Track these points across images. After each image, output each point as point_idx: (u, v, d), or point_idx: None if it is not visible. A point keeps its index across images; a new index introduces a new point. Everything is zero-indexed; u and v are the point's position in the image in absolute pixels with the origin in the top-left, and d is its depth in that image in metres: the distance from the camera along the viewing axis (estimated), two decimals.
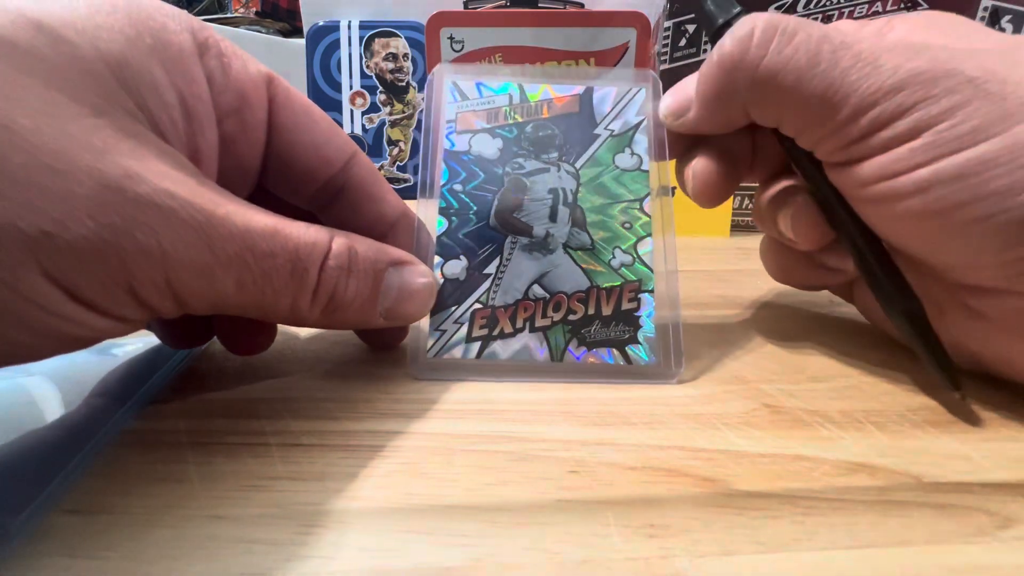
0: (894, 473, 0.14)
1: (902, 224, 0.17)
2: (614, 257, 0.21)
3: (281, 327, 0.21)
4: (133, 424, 0.17)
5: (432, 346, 0.19)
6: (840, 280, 0.22)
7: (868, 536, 0.12)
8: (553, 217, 0.21)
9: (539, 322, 0.20)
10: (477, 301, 0.20)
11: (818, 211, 0.19)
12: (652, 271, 0.20)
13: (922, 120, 0.15)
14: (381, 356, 0.21)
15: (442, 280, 0.20)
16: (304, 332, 0.23)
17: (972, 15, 0.46)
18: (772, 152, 0.21)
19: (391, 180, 0.64)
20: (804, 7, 0.46)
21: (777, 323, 0.24)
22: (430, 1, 0.53)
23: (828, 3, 0.46)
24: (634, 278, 0.20)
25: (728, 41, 0.17)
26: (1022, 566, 0.12)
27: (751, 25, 0.17)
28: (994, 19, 0.46)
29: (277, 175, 0.19)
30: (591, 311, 0.20)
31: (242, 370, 0.20)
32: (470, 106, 0.22)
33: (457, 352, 0.19)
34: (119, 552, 0.12)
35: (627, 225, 0.21)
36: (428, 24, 0.51)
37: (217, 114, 0.16)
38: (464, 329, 0.20)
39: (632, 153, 0.22)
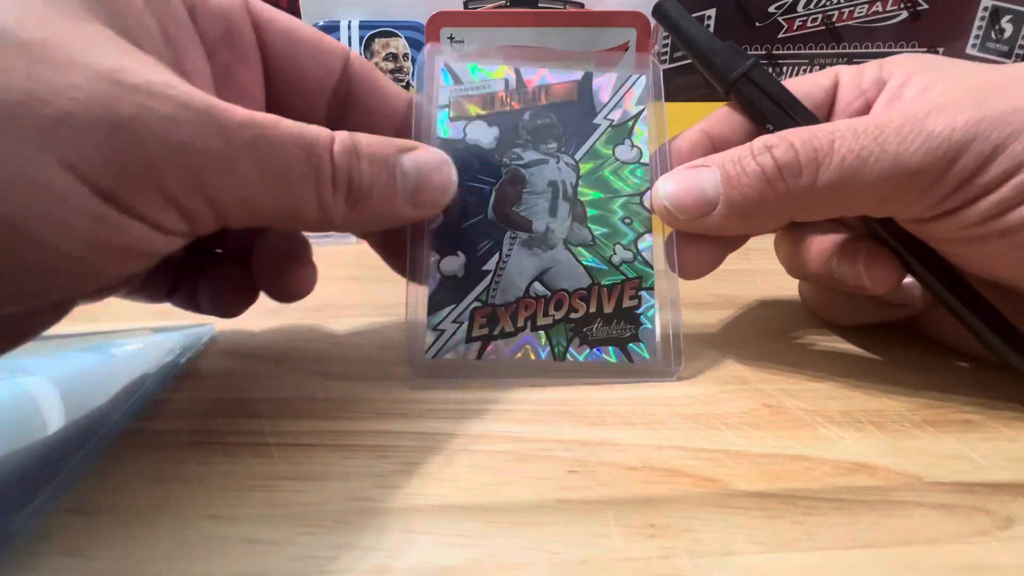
0: (894, 473, 0.14)
1: (1008, 257, 0.17)
2: (615, 254, 0.20)
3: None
4: (133, 424, 0.17)
5: (431, 346, 0.19)
6: (907, 314, 0.22)
7: (868, 536, 0.12)
8: (553, 212, 0.20)
9: (540, 321, 0.20)
10: (476, 299, 0.19)
11: (890, 255, 0.19)
12: (652, 268, 0.20)
13: (1016, 157, 0.15)
14: (381, 356, 0.21)
15: (440, 278, 0.20)
16: (304, 331, 0.23)
17: (972, 15, 0.46)
18: None
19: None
20: (804, 7, 0.46)
21: (777, 323, 0.24)
22: (430, 1, 0.53)
23: (828, 3, 0.46)
24: (635, 275, 0.20)
25: (769, 162, 0.17)
26: (1022, 566, 0.12)
27: (788, 144, 0.17)
28: (994, 19, 0.46)
29: (284, 98, 0.19)
30: (592, 309, 0.20)
31: (242, 370, 0.20)
32: (464, 91, 0.21)
33: (457, 352, 0.19)
34: (119, 552, 0.12)
35: (627, 221, 0.21)
36: (428, 24, 0.51)
37: (206, 45, 0.16)
38: (463, 328, 0.19)
39: (632, 145, 0.21)
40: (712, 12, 0.47)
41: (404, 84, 0.51)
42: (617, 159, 0.21)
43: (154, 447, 0.16)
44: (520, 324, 0.19)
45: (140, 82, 0.12)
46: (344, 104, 0.19)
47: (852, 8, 0.46)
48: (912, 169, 0.16)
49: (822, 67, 0.48)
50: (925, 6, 0.46)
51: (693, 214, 0.18)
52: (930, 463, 0.15)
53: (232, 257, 0.21)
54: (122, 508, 0.13)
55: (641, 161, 0.21)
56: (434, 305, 0.19)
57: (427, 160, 0.17)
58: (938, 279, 0.18)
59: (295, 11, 0.63)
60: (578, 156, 0.21)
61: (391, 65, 0.54)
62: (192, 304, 0.21)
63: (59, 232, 0.12)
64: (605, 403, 0.18)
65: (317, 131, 0.15)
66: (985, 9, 0.45)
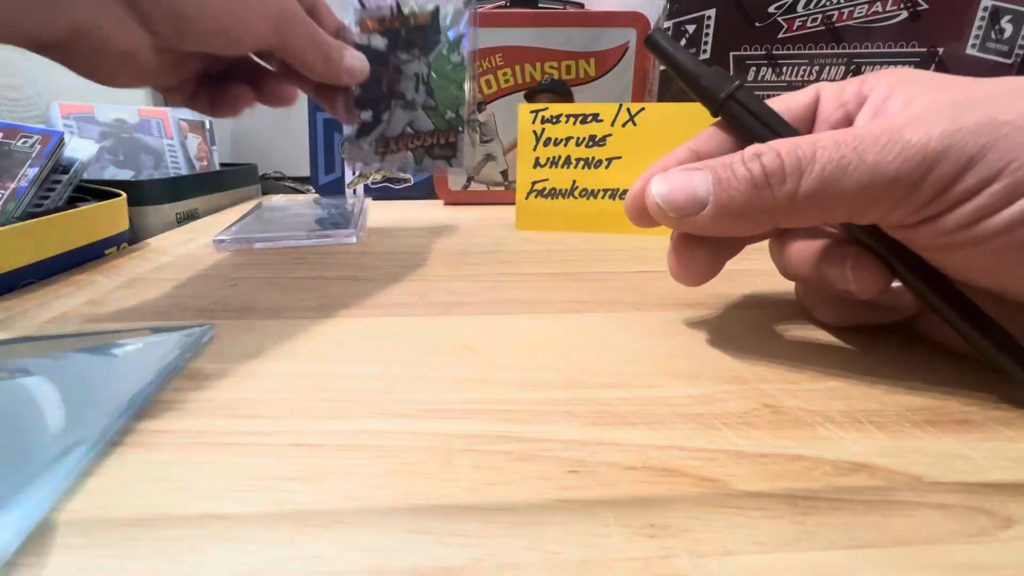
0: (894, 473, 0.14)
1: (987, 264, 0.17)
2: (447, 113, 0.39)
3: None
4: (133, 424, 0.17)
5: (351, 149, 0.39)
6: (898, 317, 0.22)
7: (868, 536, 0.12)
8: (416, 89, 0.38)
9: (411, 145, 0.39)
10: (379, 132, 0.39)
11: (877, 259, 0.19)
12: (464, 121, 0.39)
13: (992, 166, 0.15)
14: (381, 356, 0.21)
15: (360, 121, 0.38)
16: (304, 331, 0.23)
17: (972, 15, 0.46)
18: None
19: (392, 180, 0.64)
20: (804, 7, 0.46)
21: (777, 323, 0.24)
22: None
23: (828, 3, 0.46)
24: (456, 126, 0.39)
25: (758, 168, 0.18)
26: (1022, 566, 0.12)
27: (775, 153, 0.18)
28: (994, 19, 0.46)
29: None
30: (435, 141, 0.39)
31: (242, 370, 0.20)
32: (368, 14, 0.37)
33: (369, 156, 0.39)
34: (119, 552, 0.12)
35: (453, 98, 0.38)
36: None
37: None
38: (372, 147, 0.39)
39: (458, 54, 0.38)
40: (712, 12, 0.47)
41: None
42: (451, 62, 0.38)
43: (154, 447, 0.16)
44: (399, 147, 0.39)
45: None
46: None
47: (852, 8, 0.46)
48: (890, 177, 0.16)
49: (822, 67, 0.48)
50: (925, 6, 0.46)
51: (682, 212, 0.19)
52: (930, 463, 0.15)
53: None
54: (122, 508, 0.13)
55: (463, 64, 0.38)
56: (359, 133, 0.39)
57: (355, 53, 0.34)
58: (923, 283, 0.18)
59: None
60: (430, 58, 0.38)
61: None
62: (204, 107, 0.32)
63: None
64: (606, 403, 0.18)
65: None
66: (985, 9, 0.45)
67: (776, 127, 0.20)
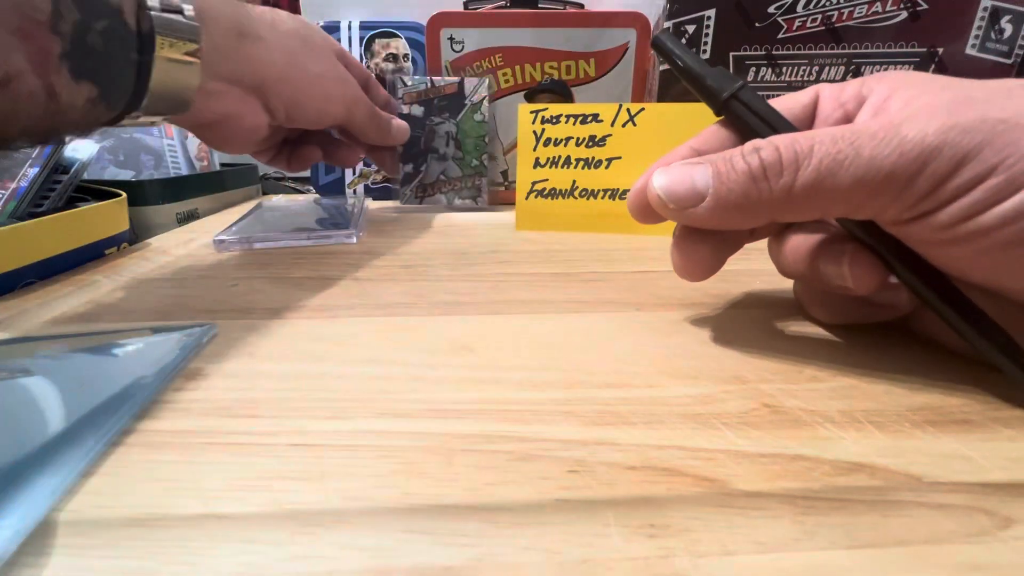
0: (894, 473, 0.14)
1: (983, 258, 0.17)
2: (472, 162, 0.50)
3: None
4: (133, 424, 0.17)
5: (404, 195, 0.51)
6: (894, 315, 0.22)
7: (868, 536, 0.12)
8: (447, 144, 0.50)
9: (444, 190, 0.51)
10: (418, 181, 0.51)
11: (873, 256, 0.19)
12: (487, 169, 0.51)
13: (986, 162, 0.16)
14: (381, 356, 0.21)
15: (403, 173, 0.50)
16: (305, 331, 0.23)
17: (972, 15, 0.46)
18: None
19: (392, 180, 0.64)
20: (804, 7, 0.46)
21: (777, 323, 0.24)
22: (430, 1, 0.53)
23: (828, 3, 0.46)
24: (480, 172, 0.51)
25: (756, 161, 0.18)
26: (1022, 566, 0.12)
27: (774, 147, 0.18)
28: (994, 19, 0.46)
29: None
30: (463, 185, 0.51)
31: (242, 370, 0.20)
32: (409, 89, 0.50)
33: (410, 200, 0.51)
34: (119, 552, 0.12)
35: (477, 148, 0.50)
36: (428, 24, 0.51)
37: None
38: (412, 193, 0.51)
39: (480, 113, 0.50)
40: (712, 12, 0.47)
41: (405, 83, 0.51)
42: (474, 120, 0.50)
43: (154, 447, 0.16)
44: (434, 191, 0.51)
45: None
46: None
47: (852, 8, 0.46)
48: (885, 172, 0.16)
49: (822, 67, 0.48)
50: (925, 6, 0.46)
51: (682, 204, 0.20)
52: (930, 463, 0.15)
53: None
54: (122, 508, 0.13)
55: (484, 121, 0.50)
56: (403, 182, 0.51)
57: (400, 122, 0.45)
58: (919, 279, 0.19)
59: (295, 10, 0.63)
60: (458, 119, 0.50)
61: (391, 65, 0.54)
62: (283, 164, 0.42)
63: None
64: (606, 403, 0.18)
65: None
66: (985, 9, 0.45)
67: (777, 124, 0.21)
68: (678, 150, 0.23)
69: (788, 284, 0.29)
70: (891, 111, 0.19)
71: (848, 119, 0.21)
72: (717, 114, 0.22)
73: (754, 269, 0.32)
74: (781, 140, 0.18)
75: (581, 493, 0.14)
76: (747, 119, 0.21)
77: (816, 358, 0.21)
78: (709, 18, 0.47)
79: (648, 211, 0.22)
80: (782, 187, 0.18)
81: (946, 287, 0.18)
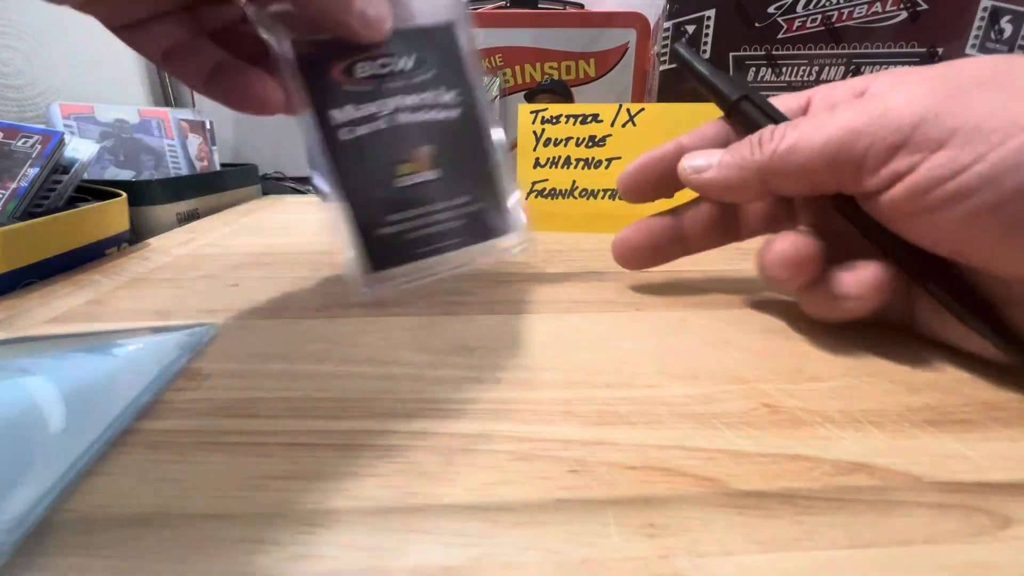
0: (894, 473, 0.14)
1: (944, 232, 0.18)
2: None
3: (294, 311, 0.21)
4: (133, 424, 0.17)
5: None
6: (867, 307, 0.21)
7: (868, 536, 0.12)
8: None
9: None
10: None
11: (795, 238, 0.21)
12: None
13: (934, 140, 0.17)
14: (382, 356, 0.21)
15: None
16: (304, 331, 0.23)
17: (972, 15, 0.46)
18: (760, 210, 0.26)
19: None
20: (804, 7, 0.46)
21: (777, 323, 0.24)
22: None
23: (828, 3, 0.46)
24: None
25: (755, 136, 0.22)
26: (1022, 566, 0.12)
27: (772, 128, 0.21)
28: (994, 19, 0.46)
29: None
30: None
31: (242, 370, 0.20)
32: None
33: None
34: (119, 552, 0.12)
35: None
36: None
37: None
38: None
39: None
40: (712, 12, 0.47)
41: None
42: None
43: (154, 447, 0.16)
44: None
45: None
46: None
47: (851, 8, 0.46)
48: (836, 147, 0.19)
49: (821, 67, 0.48)
50: (925, 6, 0.46)
51: (695, 169, 0.24)
52: (930, 463, 0.15)
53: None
54: (122, 508, 0.13)
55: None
56: None
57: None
58: (900, 250, 0.20)
59: None
60: None
61: None
62: (216, 93, 0.24)
63: None
64: (606, 403, 0.18)
65: None
66: (984, 9, 0.45)
67: (779, 120, 0.23)
68: (666, 145, 0.26)
69: None
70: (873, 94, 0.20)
71: None
72: (727, 113, 0.25)
73: (753, 269, 0.32)
74: (781, 124, 0.21)
75: (581, 493, 0.14)
76: (753, 116, 0.24)
77: (816, 358, 0.21)
78: (709, 18, 0.47)
79: (637, 190, 0.27)
80: (766, 155, 0.21)
81: (932, 264, 0.20)
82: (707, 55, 0.48)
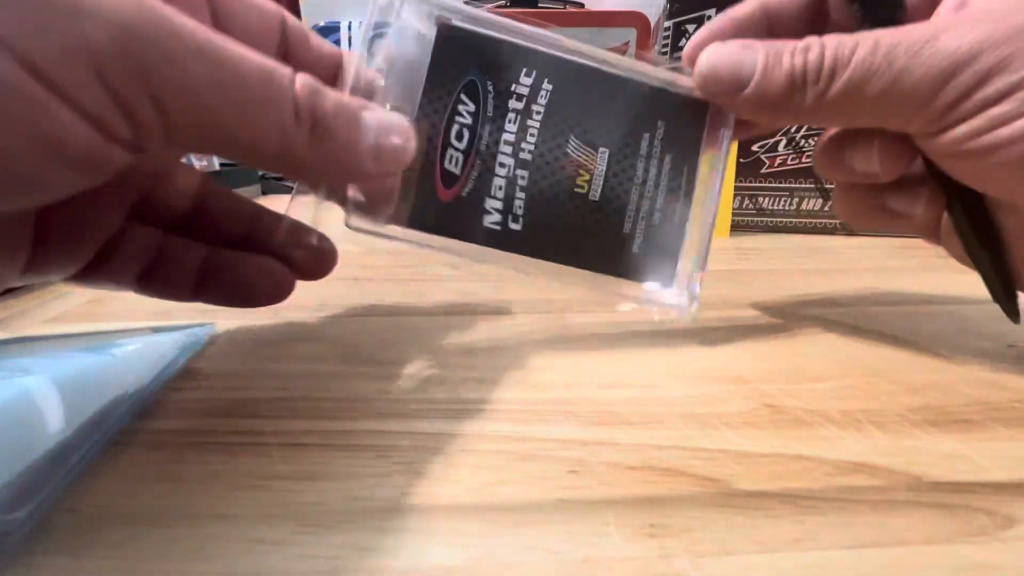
0: (894, 473, 0.14)
1: (1000, 173, 0.17)
2: None
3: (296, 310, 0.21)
4: (133, 424, 0.17)
5: None
6: (909, 228, 0.22)
7: (868, 536, 0.12)
8: None
9: None
10: None
11: (902, 142, 0.20)
12: None
13: (1009, 79, 0.16)
14: (382, 356, 0.21)
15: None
16: (304, 331, 0.23)
17: None
18: None
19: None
20: None
21: (777, 323, 0.24)
22: None
23: None
24: None
25: (800, 62, 0.18)
26: (1022, 566, 0.12)
27: (821, 50, 0.18)
28: None
29: None
30: None
31: (242, 370, 0.20)
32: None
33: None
34: (119, 552, 0.12)
35: None
36: None
37: None
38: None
39: None
40: (712, 12, 0.47)
41: None
42: None
43: (154, 447, 0.16)
44: None
45: None
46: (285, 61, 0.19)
47: None
48: (908, 87, 0.17)
49: None
50: None
51: (723, 88, 0.20)
52: (930, 463, 0.15)
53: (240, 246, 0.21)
54: (122, 508, 0.13)
55: None
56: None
57: (386, 116, 0.17)
58: (944, 178, 0.19)
59: (295, 11, 0.63)
60: None
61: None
62: (183, 291, 0.20)
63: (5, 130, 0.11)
64: (605, 403, 0.18)
65: (277, 63, 0.15)
66: None
67: None
68: (745, 4, 0.22)
69: (789, 284, 0.29)
70: (969, 5, 0.19)
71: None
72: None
73: (754, 269, 0.32)
74: (830, 42, 0.18)
75: (581, 493, 0.14)
76: None
77: (817, 358, 0.21)
78: (709, 18, 0.47)
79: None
80: (814, 94, 0.18)
81: (965, 193, 0.19)
82: None
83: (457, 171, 0.20)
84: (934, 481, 0.14)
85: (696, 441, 0.16)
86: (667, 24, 0.48)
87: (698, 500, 0.14)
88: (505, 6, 0.58)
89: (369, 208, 0.20)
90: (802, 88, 0.18)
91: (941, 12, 0.20)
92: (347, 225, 0.20)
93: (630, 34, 0.51)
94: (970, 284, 0.23)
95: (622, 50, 0.52)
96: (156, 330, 0.23)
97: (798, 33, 0.20)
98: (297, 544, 0.12)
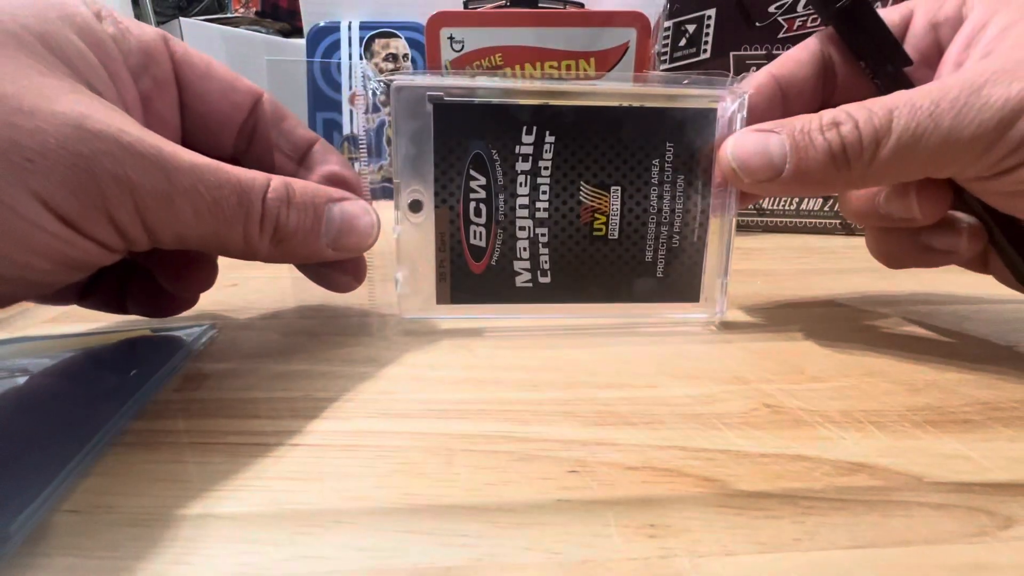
0: (894, 473, 0.14)
1: None
2: None
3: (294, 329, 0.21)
4: (133, 424, 0.17)
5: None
6: (953, 261, 0.22)
7: (868, 536, 0.12)
8: None
9: None
10: None
11: (939, 185, 0.20)
12: None
13: None
14: (382, 356, 0.21)
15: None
16: (304, 331, 0.23)
17: None
18: None
19: (391, 180, 0.64)
20: (805, 7, 0.46)
21: (777, 323, 0.24)
22: (430, 1, 0.53)
23: None
24: None
25: (836, 139, 0.18)
26: (1022, 566, 0.12)
27: (853, 124, 0.18)
28: None
29: (195, 129, 0.20)
30: None
31: (242, 370, 0.20)
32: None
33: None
34: (119, 552, 0.12)
35: None
36: (428, 24, 0.51)
37: (131, 76, 0.18)
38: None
39: None
40: (712, 12, 0.47)
41: None
42: None
43: (154, 447, 0.16)
44: None
45: (100, 128, 0.14)
46: (251, 140, 0.22)
47: None
48: (964, 142, 0.17)
49: None
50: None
51: (759, 177, 0.19)
52: (930, 463, 0.15)
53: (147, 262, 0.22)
54: (122, 508, 0.13)
55: None
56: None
57: (352, 214, 0.20)
58: (987, 213, 0.20)
59: (295, 11, 0.63)
60: None
61: (391, 65, 0.54)
62: (113, 307, 0.22)
63: (24, 248, 0.14)
64: (606, 403, 0.18)
65: (253, 178, 0.17)
66: None
67: (888, 48, 0.20)
68: (758, 76, 0.22)
69: (789, 284, 0.29)
70: (982, 43, 0.19)
71: (939, 45, 0.20)
72: (826, 20, 0.22)
73: (754, 269, 0.32)
74: (859, 113, 0.18)
75: (581, 493, 0.14)
76: (858, 37, 0.21)
77: (816, 358, 0.21)
78: (709, 18, 0.47)
79: None
80: (862, 165, 0.18)
81: (1011, 226, 0.19)
82: (707, 54, 0.48)
83: (483, 244, 0.22)
84: (934, 481, 0.14)
85: (696, 441, 0.16)
86: (667, 24, 0.48)
87: (698, 500, 0.13)
88: (505, 6, 0.58)
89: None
90: (845, 162, 0.18)
91: (950, 61, 0.20)
92: (403, 316, 0.23)
93: (630, 34, 0.51)
94: (970, 284, 0.23)
95: (622, 49, 0.52)
96: (156, 331, 0.23)
97: (809, 97, 0.20)
98: (297, 544, 0.12)
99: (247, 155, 0.22)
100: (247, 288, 0.29)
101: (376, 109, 0.22)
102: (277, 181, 0.18)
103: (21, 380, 0.18)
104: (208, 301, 0.27)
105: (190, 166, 0.16)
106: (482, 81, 0.21)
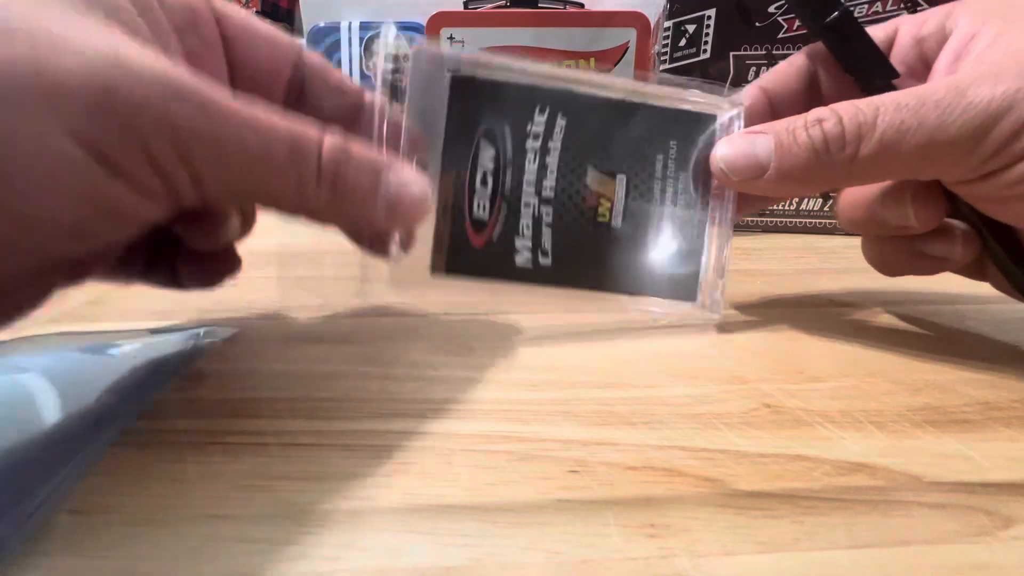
0: (894, 473, 0.14)
1: None
2: None
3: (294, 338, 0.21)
4: (133, 424, 0.17)
5: None
6: (948, 268, 0.22)
7: (868, 536, 0.12)
8: None
9: None
10: None
11: (936, 192, 0.20)
12: None
13: None
14: (382, 356, 0.21)
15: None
16: (304, 331, 0.23)
17: None
18: None
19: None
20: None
21: (777, 323, 0.24)
22: (430, 1, 0.53)
23: None
24: None
25: (819, 134, 0.18)
26: (1022, 566, 0.12)
27: (837, 119, 0.18)
28: None
29: (244, 87, 0.19)
30: None
31: (242, 370, 0.20)
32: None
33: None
34: (119, 552, 0.12)
35: None
36: (428, 24, 0.51)
37: (177, 35, 0.17)
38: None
39: None
40: (712, 12, 0.47)
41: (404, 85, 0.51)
42: None
43: (154, 447, 0.16)
44: None
45: (138, 66, 0.13)
46: (300, 98, 0.20)
47: (852, 8, 0.46)
48: (948, 139, 0.17)
49: None
50: (925, 6, 0.46)
51: (744, 176, 0.20)
52: (930, 463, 0.15)
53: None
54: (122, 508, 0.13)
55: None
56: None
57: (409, 177, 0.18)
58: (982, 221, 0.20)
59: (295, 11, 0.63)
60: None
61: (391, 66, 0.54)
62: (172, 281, 0.21)
63: (56, 188, 0.13)
64: (605, 403, 0.18)
65: (306, 130, 0.16)
66: None
67: (874, 60, 0.21)
68: (748, 90, 0.23)
69: (789, 284, 0.29)
70: (972, 54, 0.19)
71: (924, 60, 0.21)
72: (815, 34, 0.22)
73: (754, 269, 0.32)
74: (844, 110, 0.18)
75: (581, 493, 0.14)
76: (845, 49, 0.21)
77: (816, 358, 0.21)
78: (709, 18, 0.47)
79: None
80: (844, 159, 0.18)
81: (1004, 233, 0.19)
82: (707, 55, 0.48)
83: (485, 217, 0.21)
84: (934, 481, 0.14)
85: (696, 441, 0.16)
86: (667, 24, 0.48)
87: (698, 500, 0.14)
88: (505, 6, 0.58)
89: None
90: (827, 156, 0.18)
91: (939, 72, 0.20)
92: (390, 282, 0.21)
93: (630, 34, 0.51)
94: (970, 284, 0.23)
95: (622, 49, 0.52)
96: (155, 331, 0.23)
97: (798, 111, 0.20)
98: (297, 544, 0.12)
99: (299, 111, 0.20)
100: (247, 288, 0.29)
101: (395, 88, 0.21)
102: (334, 137, 0.16)
103: (21, 379, 0.18)
104: (209, 301, 0.27)
105: (237, 108, 0.14)
106: (501, 58, 0.21)
